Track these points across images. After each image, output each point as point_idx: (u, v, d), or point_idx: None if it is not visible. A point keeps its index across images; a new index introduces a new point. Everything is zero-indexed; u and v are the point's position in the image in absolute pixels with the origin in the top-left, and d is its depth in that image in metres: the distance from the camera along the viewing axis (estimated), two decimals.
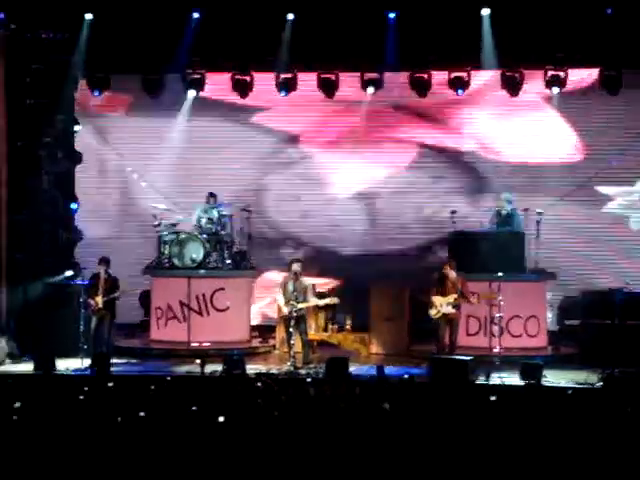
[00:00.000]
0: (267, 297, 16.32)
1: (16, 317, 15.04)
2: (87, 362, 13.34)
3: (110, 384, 10.67)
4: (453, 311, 13.50)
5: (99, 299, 13.85)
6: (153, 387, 10.00)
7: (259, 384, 10.34)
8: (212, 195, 15.76)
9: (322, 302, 13.97)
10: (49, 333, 14.47)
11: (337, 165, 17.42)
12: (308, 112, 17.24)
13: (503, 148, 17.07)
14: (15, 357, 14.16)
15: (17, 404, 8.24)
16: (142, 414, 8.06)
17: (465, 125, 17.18)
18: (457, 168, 17.19)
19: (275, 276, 15.20)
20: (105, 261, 14.17)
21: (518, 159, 16.99)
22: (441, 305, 13.43)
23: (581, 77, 16.40)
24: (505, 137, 17.04)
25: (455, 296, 13.40)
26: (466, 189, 17.14)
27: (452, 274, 13.51)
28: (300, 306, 13.54)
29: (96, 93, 16.64)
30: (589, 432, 7.59)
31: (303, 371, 13.33)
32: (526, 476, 6.76)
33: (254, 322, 16.02)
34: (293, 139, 17.52)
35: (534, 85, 16.41)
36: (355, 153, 17.33)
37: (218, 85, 16.89)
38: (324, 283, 16.16)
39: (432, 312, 13.51)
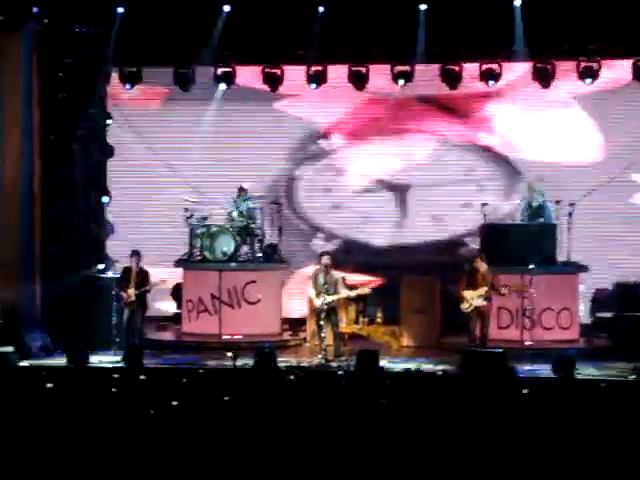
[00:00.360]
0: (299, 290, 16.32)
1: (49, 311, 15.16)
2: (120, 355, 13.43)
3: (142, 377, 10.78)
4: (484, 304, 13.46)
5: (131, 292, 13.96)
6: (185, 380, 10.06)
7: (291, 377, 10.37)
8: (242, 188, 15.80)
9: (353, 293, 13.96)
10: (82, 327, 14.57)
11: (367, 157, 17.39)
12: (338, 104, 17.22)
13: (533, 142, 16.95)
14: (49, 350, 14.29)
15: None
16: (175, 403, 8.11)
17: (496, 118, 17.08)
18: (488, 161, 17.11)
19: (306, 269, 15.19)
20: (136, 254, 14.30)
21: (548, 154, 16.85)
22: (472, 298, 13.40)
23: (616, 75, 16.22)
24: (535, 131, 16.91)
25: (486, 289, 13.36)
26: (497, 182, 17.05)
27: (483, 267, 13.47)
28: (331, 298, 13.55)
29: (127, 87, 16.70)
30: (622, 425, 7.55)
31: (334, 364, 13.35)
32: (557, 470, 6.74)
33: (285, 315, 16.06)
34: (323, 131, 17.51)
35: (566, 81, 16.25)
36: (385, 145, 17.30)
37: (249, 78, 16.90)
38: (360, 281, 16.01)
39: (464, 306, 13.49)
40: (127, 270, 14.22)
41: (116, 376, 9.88)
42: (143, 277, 14.11)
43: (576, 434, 7.30)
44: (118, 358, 13.37)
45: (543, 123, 16.91)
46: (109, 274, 15.36)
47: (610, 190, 16.59)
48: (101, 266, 15.91)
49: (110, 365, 13.19)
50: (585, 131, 16.83)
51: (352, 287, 14.41)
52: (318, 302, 13.56)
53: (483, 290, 13.38)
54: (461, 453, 6.95)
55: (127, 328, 13.98)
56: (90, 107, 16.16)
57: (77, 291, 15.30)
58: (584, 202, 15.80)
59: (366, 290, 14.13)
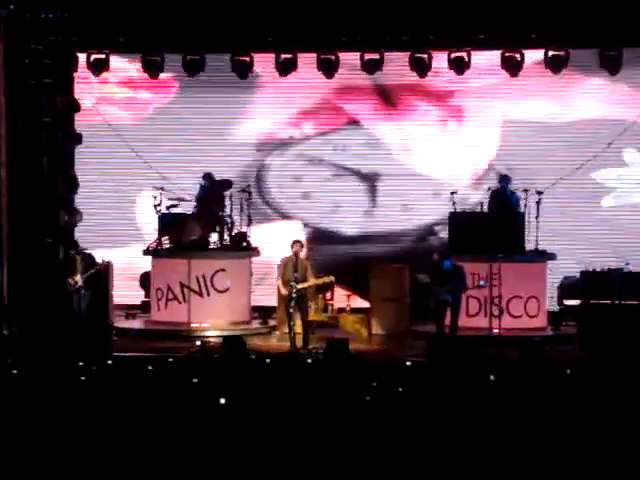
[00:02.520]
0: (268, 278, 16.29)
1: (16, 298, 15.08)
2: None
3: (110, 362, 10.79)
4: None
5: (77, 278, 14.00)
6: (151, 367, 10.07)
7: (259, 364, 10.37)
8: (211, 176, 15.74)
9: (320, 281, 13.93)
10: (50, 314, 14.53)
11: (337, 145, 17.38)
12: (308, 93, 17.18)
13: (502, 131, 16.95)
14: (15, 338, 14.22)
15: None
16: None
17: (465, 107, 17.09)
18: (457, 149, 17.14)
19: (275, 257, 15.16)
20: (75, 243, 14.44)
21: (515, 143, 16.87)
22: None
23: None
24: (504, 120, 16.93)
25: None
26: (465, 170, 17.09)
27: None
28: (299, 286, 13.55)
29: (95, 73, 16.54)
30: (586, 409, 7.63)
31: (303, 352, 13.38)
32: (525, 454, 6.79)
33: (254, 303, 16.04)
34: (294, 120, 17.46)
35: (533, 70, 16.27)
36: (355, 134, 17.30)
37: (219, 66, 16.79)
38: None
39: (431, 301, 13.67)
40: (71, 258, 14.30)
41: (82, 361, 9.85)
42: (88, 262, 14.15)
43: (544, 419, 7.37)
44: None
45: (511, 112, 16.91)
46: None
47: (576, 179, 16.63)
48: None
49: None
50: (552, 120, 16.87)
51: (319, 276, 14.40)
52: (285, 291, 13.58)
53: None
54: (433, 440, 6.99)
55: (78, 313, 13.99)
56: (58, 94, 16.02)
57: (44, 278, 15.25)
58: (551, 191, 15.85)
59: (332, 278, 14.13)
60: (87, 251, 14.62)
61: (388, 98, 17.18)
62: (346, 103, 17.25)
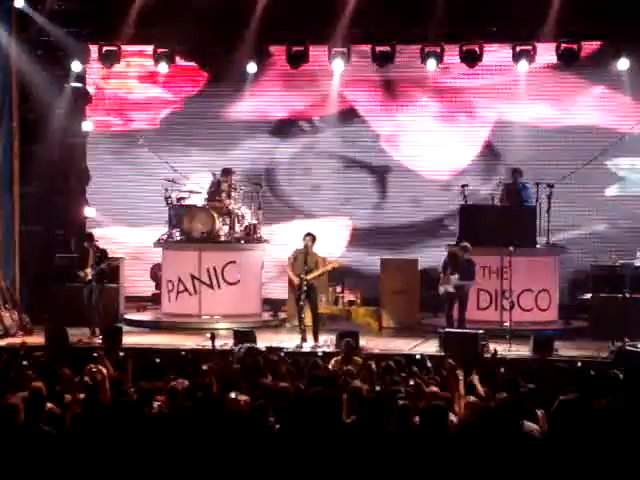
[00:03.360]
0: (279, 271, 16.30)
1: (28, 289, 15.13)
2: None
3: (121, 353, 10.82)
4: (453, 291, 13.58)
5: (88, 271, 13.99)
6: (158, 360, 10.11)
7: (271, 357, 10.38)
8: (224, 168, 15.75)
9: (326, 268, 13.84)
10: (62, 306, 14.58)
11: (347, 138, 17.37)
12: (319, 85, 17.16)
13: (514, 122, 16.90)
14: (26, 329, 14.27)
15: None
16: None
17: (478, 101, 17.05)
18: (468, 142, 17.10)
19: (286, 250, 15.18)
20: (89, 236, 14.48)
21: (528, 136, 16.81)
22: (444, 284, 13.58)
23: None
24: (519, 113, 16.88)
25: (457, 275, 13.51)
26: (477, 163, 17.06)
27: (460, 254, 13.63)
28: (309, 277, 13.48)
29: (106, 65, 16.53)
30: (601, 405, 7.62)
31: (313, 344, 13.39)
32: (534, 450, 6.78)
33: (265, 295, 16.06)
34: (304, 112, 17.44)
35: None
36: (366, 127, 17.29)
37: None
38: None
39: (440, 290, 13.66)
40: (84, 250, 14.28)
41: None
42: (101, 256, 14.14)
43: (554, 413, 7.36)
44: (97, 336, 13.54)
45: (523, 104, 16.86)
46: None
47: (587, 172, 16.58)
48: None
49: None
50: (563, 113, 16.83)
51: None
52: (297, 282, 13.54)
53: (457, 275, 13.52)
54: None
55: (88, 307, 14.01)
56: (69, 85, 16.07)
57: (55, 270, 15.31)
58: (563, 184, 15.81)
59: (341, 262, 14.04)
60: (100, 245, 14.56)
61: (393, 91, 17.14)
62: (357, 96, 17.24)
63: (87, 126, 16.90)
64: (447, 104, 17.09)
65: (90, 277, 14.05)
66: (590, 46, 15.91)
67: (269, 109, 17.41)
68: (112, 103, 17.46)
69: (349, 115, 17.31)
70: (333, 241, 16.76)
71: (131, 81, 17.46)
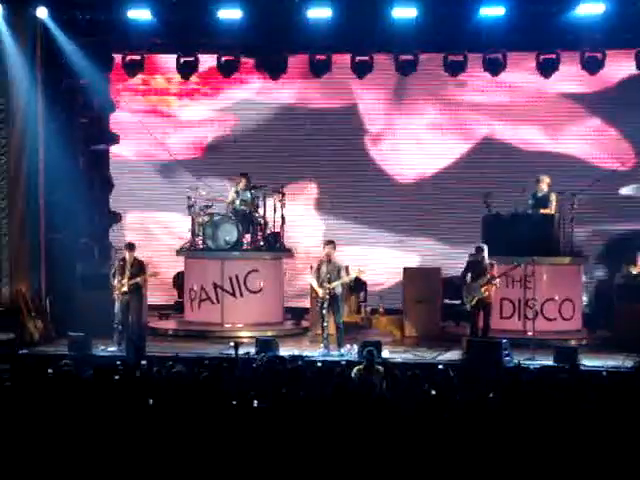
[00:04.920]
0: (301, 280, 16.29)
1: (53, 298, 15.15)
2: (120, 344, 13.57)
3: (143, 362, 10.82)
4: (486, 295, 13.51)
5: (124, 282, 13.85)
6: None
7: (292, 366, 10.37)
8: (245, 176, 15.75)
9: (352, 276, 13.79)
10: (85, 315, 14.54)
11: (369, 147, 17.39)
12: (341, 93, 17.21)
13: (539, 133, 16.88)
14: (51, 338, 14.29)
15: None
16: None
17: (500, 110, 17.03)
18: (493, 151, 17.06)
19: (309, 258, 15.17)
20: (130, 246, 14.15)
21: (553, 145, 16.80)
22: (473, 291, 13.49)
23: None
24: (541, 123, 16.85)
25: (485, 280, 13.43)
26: (502, 172, 17.00)
27: (485, 260, 13.56)
28: (331, 285, 13.44)
29: (130, 74, 16.61)
30: (624, 415, 7.56)
31: (336, 353, 13.37)
32: (557, 458, 6.75)
33: (287, 304, 16.06)
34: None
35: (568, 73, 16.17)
36: (386, 136, 17.31)
37: (251, 67, 16.86)
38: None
39: (467, 299, 13.57)
40: (122, 260, 14.05)
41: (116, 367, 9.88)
42: (139, 268, 13.97)
43: (580, 423, 7.31)
44: (120, 348, 13.48)
45: (548, 115, 16.84)
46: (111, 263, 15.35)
47: (611, 181, 16.50)
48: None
49: (110, 354, 13.25)
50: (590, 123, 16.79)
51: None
52: (321, 292, 13.52)
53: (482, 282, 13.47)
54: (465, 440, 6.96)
55: (122, 318, 13.85)
56: (94, 94, 16.14)
57: (80, 279, 15.32)
58: (587, 193, 15.73)
59: (363, 271, 13.95)
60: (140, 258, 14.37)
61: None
62: (377, 104, 17.26)
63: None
64: (461, 111, 17.09)
65: (125, 288, 13.88)
66: None
67: (291, 115, 17.45)
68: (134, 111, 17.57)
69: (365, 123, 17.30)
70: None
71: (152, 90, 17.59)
